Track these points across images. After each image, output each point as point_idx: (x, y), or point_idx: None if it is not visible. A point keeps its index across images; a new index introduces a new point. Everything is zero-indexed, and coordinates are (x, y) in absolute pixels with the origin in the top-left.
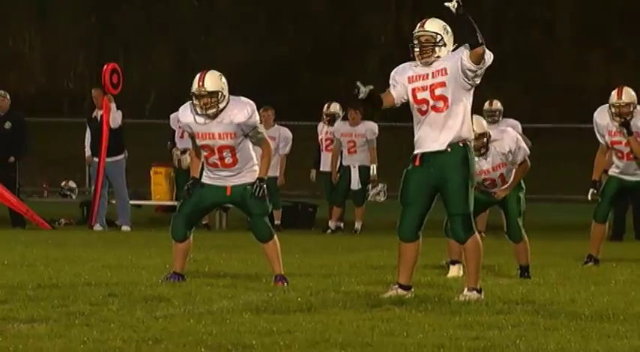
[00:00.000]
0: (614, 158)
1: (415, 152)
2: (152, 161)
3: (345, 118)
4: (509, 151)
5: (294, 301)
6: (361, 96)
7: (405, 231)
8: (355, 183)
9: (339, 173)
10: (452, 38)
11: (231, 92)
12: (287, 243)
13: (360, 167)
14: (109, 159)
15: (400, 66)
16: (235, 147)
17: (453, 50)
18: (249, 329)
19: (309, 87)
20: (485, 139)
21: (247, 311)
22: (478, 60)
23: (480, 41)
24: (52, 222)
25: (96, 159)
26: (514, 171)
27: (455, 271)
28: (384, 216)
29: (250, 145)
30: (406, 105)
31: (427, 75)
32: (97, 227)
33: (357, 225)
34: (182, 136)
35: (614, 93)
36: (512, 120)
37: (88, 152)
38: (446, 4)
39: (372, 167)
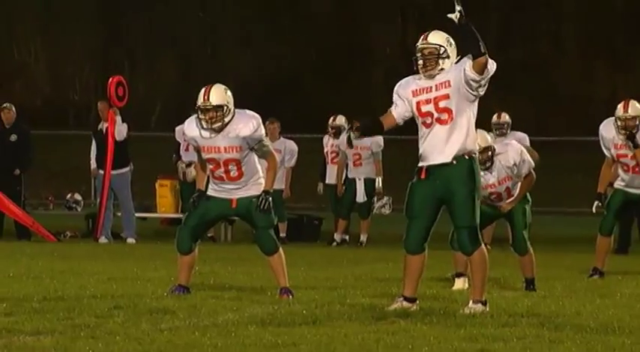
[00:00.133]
0: (620, 171)
1: (420, 165)
2: (157, 173)
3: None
4: (514, 164)
5: (300, 314)
6: (355, 138)
7: (411, 243)
8: (360, 196)
9: (344, 185)
10: (455, 50)
11: (237, 105)
12: (292, 255)
13: (365, 180)
14: (114, 172)
15: (404, 80)
16: (241, 160)
17: (457, 61)
18: (254, 342)
19: (314, 99)
20: (489, 153)
21: (252, 324)
22: (481, 69)
23: (483, 50)
24: (58, 235)
25: (101, 172)
26: (519, 184)
27: (460, 284)
28: (389, 228)
29: (256, 158)
30: (411, 118)
31: (431, 87)
32: (103, 239)
33: (363, 238)
34: (187, 149)
35: (620, 106)
36: (520, 133)
37: (93, 164)
38: (449, 15)
39: (377, 180)
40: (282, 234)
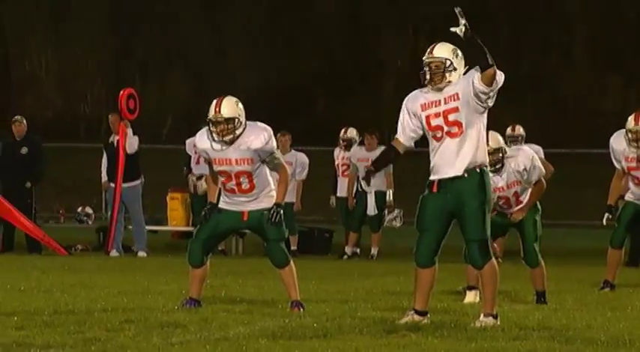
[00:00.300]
0: (631, 183)
1: (432, 178)
2: (168, 186)
3: (361, 143)
4: (524, 169)
5: (311, 327)
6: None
7: (421, 256)
8: (371, 209)
9: (355, 198)
10: (462, 61)
11: (248, 117)
12: (303, 268)
13: (376, 192)
14: (125, 185)
15: (411, 94)
16: (252, 172)
17: (465, 73)
18: None
19: (325, 112)
20: (500, 154)
21: (263, 337)
22: (490, 81)
23: (491, 62)
24: (69, 248)
25: (112, 185)
26: (529, 191)
27: (471, 297)
28: (400, 241)
29: (267, 171)
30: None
31: (439, 101)
32: (114, 253)
33: (374, 251)
34: (198, 162)
35: (630, 118)
36: (535, 146)
37: (104, 177)
38: (452, 29)
39: (388, 192)
40: (293, 247)
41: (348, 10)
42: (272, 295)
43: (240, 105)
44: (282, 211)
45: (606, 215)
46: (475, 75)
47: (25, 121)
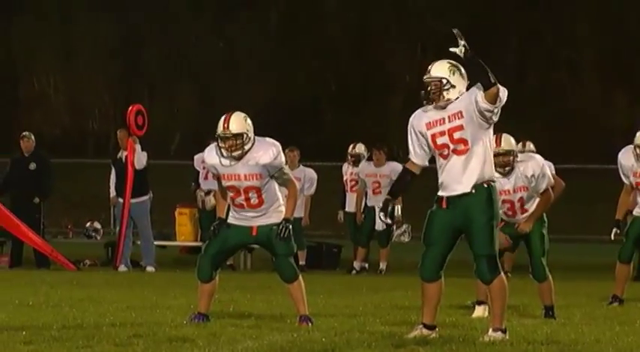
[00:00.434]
0: (639, 198)
1: (440, 194)
2: (177, 202)
3: (369, 159)
4: (533, 175)
5: (319, 341)
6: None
7: (426, 270)
8: (380, 224)
9: (363, 213)
10: (462, 77)
11: (256, 132)
12: (311, 283)
13: None
14: (133, 200)
15: (416, 113)
16: (261, 188)
17: (468, 88)
18: None
19: (334, 128)
20: (511, 157)
21: None
22: (493, 99)
23: (493, 81)
24: (77, 263)
25: (121, 200)
26: (536, 201)
27: (480, 311)
28: (408, 256)
29: (276, 186)
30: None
31: (444, 119)
32: (122, 268)
33: (382, 266)
34: (206, 177)
35: (638, 134)
36: (546, 162)
37: (112, 193)
38: (451, 49)
39: (396, 207)
40: (302, 262)
41: (356, 25)
42: (280, 310)
43: (249, 120)
44: (290, 226)
45: (614, 230)
46: (478, 93)
47: (33, 137)
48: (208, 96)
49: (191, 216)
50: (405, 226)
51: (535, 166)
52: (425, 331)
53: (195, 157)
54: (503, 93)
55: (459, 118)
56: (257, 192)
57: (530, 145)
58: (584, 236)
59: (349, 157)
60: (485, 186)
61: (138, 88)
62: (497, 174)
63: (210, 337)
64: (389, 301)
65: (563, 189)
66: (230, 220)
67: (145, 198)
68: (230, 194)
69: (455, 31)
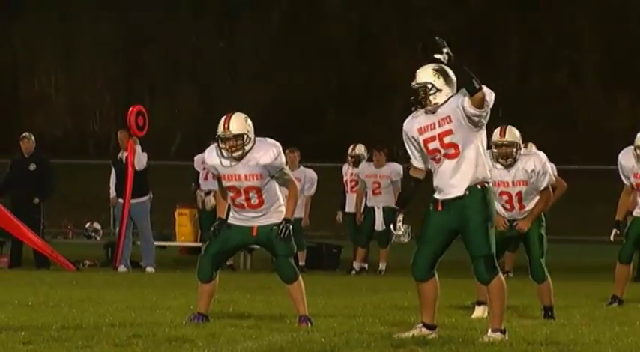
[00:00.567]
0: (639, 199)
1: (436, 197)
2: (177, 202)
3: (370, 160)
4: (533, 171)
5: (318, 342)
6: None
7: (417, 269)
8: (379, 225)
9: (363, 214)
10: (447, 79)
11: (257, 133)
12: (311, 283)
13: (384, 208)
14: (133, 201)
15: (408, 118)
16: (261, 188)
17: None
18: None
19: (334, 128)
20: (514, 149)
21: None
22: (480, 104)
23: (477, 86)
24: (77, 263)
25: (121, 201)
26: (535, 200)
27: (480, 312)
28: (408, 257)
29: (277, 186)
30: None
31: (434, 124)
32: (122, 268)
33: (382, 266)
34: (206, 178)
35: (639, 135)
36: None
37: (112, 193)
38: (436, 55)
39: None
40: (302, 263)
41: (357, 25)
42: (280, 310)
43: (249, 121)
44: (291, 227)
45: (614, 231)
46: (464, 99)
47: (33, 138)
48: (209, 96)
49: (191, 217)
50: (404, 227)
51: (537, 162)
52: (425, 330)
53: (196, 158)
54: (490, 96)
55: (448, 123)
56: (257, 193)
57: (533, 147)
58: (584, 236)
59: (349, 158)
60: (479, 187)
61: (139, 89)
62: (498, 165)
63: (210, 337)
64: (388, 301)
65: (565, 190)
66: (230, 220)
67: (145, 198)
68: (230, 194)
69: (437, 39)
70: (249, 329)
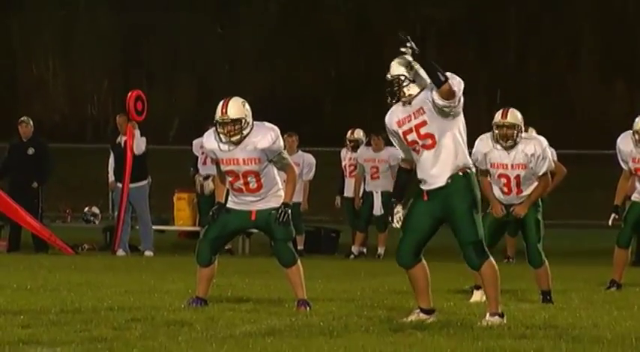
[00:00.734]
0: (637, 184)
1: (421, 187)
2: (175, 187)
3: (368, 144)
4: (533, 155)
5: (317, 326)
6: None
7: (402, 256)
8: (378, 209)
9: (362, 198)
10: (420, 70)
11: (255, 119)
12: (310, 268)
13: (382, 193)
14: (132, 185)
15: (388, 113)
16: (260, 172)
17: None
18: None
19: (332, 114)
20: (515, 131)
21: (270, 336)
22: (448, 95)
23: (443, 79)
24: (75, 247)
25: (119, 185)
26: (533, 185)
27: (478, 296)
28: None
29: (275, 170)
30: None
31: (410, 116)
32: (120, 252)
33: (380, 251)
34: (205, 162)
35: (637, 119)
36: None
37: (111, 177)
38: (402, 49)
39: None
40: (300, 247)
41: (355, 13)
42: (278, 294)
43: (247, 105)
44: (289, 211)
45: (613, 215)
46: (433, 92)
47: (31, 122)
48: (207, 85)
49: (189, 201)
50: (402, 211)
51: (537, 146)
52: (422, 315)
53: (194, 142)
54: (459, 85)
55: (422, 114)
56: (256, 177)
57: (533, 132)
58: (583, 221)
59: (348, 143)
60: (461, 174)
61: (137, 75)
62: (498, 146)
63: (208, 321)
64: (387, 285)
65: (564, 175)
66: (229, 205)
67: (144, 182)
68: (229, 178)
69: (401, 34)
70: (248, 313)
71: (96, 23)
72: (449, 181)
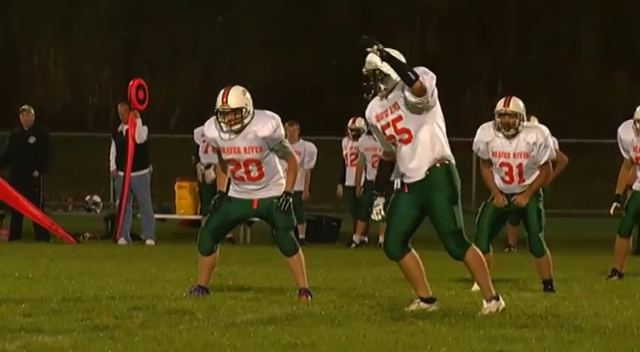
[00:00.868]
0: (639, 173)
1: (402, 180)
2: (176, 175)
3: (369, 133)
4: (535, 143)
5: (318, 314)
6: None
7: (389, 249)
8: None
9: (363, 187)
10: (390, 70)
11: (257, 108)
12: (311, 257)
13: None
14: (134, 174)
15: (368, 106)
16: (261, 160)
17: None
18: (272, 343)
19: (334, 102)
20: (516, 120)
21: (271, 325)
22: (420, 93)
23: (413, 77)
24: (77, 236)
25: (121, 173)
26: (535, 175)
27: None
28: None
29: (276, 159)
30: None
31: (387, 111)
32: (122, 241)
33: (382, 239)
34: (206, 151)
35: (639, 109)
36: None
37: (113, 166)
38: (368, 49)
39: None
40: (301, 236)
41: (358, 1)
42: (280, 283)
43: (248, 94)
44: (291, 199)
45: (614, 204)
46: (405, 89)
47: (32, 111)
48: (209, 71)
49: (191, 190)
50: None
51: (539, 135)
52: (423, 304)
53: (195, 131)
54: (431, 82)
55: (397, 109)
56: (257, 165)
57: (535, 120)
58: (584, 210)
59: (349, 131)
60: (439, 165)
61: (138, 63)
62: (500, 135)
63: (210, 310)
64: (388, 274)
65: (566, 165)
66: (231, 193)
67: (145, 171)
68: (230, 167)
69: (365, 37)
70: (249, 301)
71: (97, 12)
72: (427, 173)
